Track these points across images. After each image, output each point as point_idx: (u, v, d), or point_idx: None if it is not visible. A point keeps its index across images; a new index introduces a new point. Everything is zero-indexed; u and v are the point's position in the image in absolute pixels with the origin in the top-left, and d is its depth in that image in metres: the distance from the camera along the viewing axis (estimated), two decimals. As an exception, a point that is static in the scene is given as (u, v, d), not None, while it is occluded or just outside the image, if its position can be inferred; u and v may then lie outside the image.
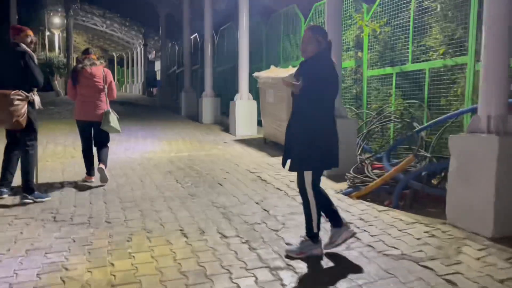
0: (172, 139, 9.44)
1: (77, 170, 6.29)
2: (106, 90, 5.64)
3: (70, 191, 5.31)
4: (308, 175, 3.24)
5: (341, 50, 6.32)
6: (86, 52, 5.76)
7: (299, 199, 4.87)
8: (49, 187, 5.42)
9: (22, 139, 4.81)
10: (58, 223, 4.13)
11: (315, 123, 3.18)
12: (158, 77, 30.60)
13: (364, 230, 3.93)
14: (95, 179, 5.68)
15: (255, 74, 8.75)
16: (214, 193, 5.21)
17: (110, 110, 5.64)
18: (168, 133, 10.40)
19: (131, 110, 16.39)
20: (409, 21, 6.37)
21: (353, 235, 3.47)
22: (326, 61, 3.24)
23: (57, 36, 29.21)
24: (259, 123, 10.47)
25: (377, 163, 6.01)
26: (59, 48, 29.51)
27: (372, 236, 3.80)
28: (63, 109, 15.97)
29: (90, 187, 5.46)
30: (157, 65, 35.99)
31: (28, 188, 4.80)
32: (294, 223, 4.13)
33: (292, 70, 7.81)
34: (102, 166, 5.53)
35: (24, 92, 4.66)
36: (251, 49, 10.20)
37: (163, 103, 19.12)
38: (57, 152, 7.75)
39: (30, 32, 4.92)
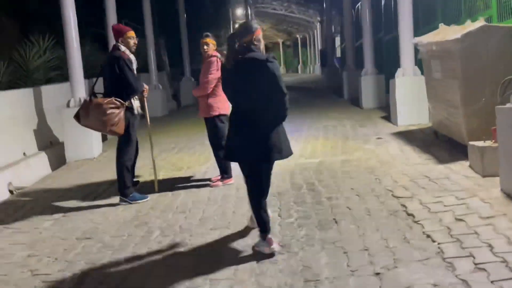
0: (313, 136, 7.57)
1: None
2: None
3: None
4: None
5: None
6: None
7: (459, 265, 2.65)
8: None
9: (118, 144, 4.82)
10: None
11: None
12: (338, 53, 28.59)
13: None
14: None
15: (415, 39, 6.19)
16: (317, 245, 3.29)
17: None
18: (315, 126, 8.54)
19: (290, 96, 15.02)
20: None
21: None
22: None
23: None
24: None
25: None
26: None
27: None
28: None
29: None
30: (338, 41, 33.84)
31: (121, 193, 4.74)
32: None
33: (469, 27, 5.10)
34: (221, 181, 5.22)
35: (118, 99, 4.52)
36: (421, 6, 7.48)
37: (329, 83, 17.22)
38: (174, 162, 6.71)
39: (132, 33, 4.70)
